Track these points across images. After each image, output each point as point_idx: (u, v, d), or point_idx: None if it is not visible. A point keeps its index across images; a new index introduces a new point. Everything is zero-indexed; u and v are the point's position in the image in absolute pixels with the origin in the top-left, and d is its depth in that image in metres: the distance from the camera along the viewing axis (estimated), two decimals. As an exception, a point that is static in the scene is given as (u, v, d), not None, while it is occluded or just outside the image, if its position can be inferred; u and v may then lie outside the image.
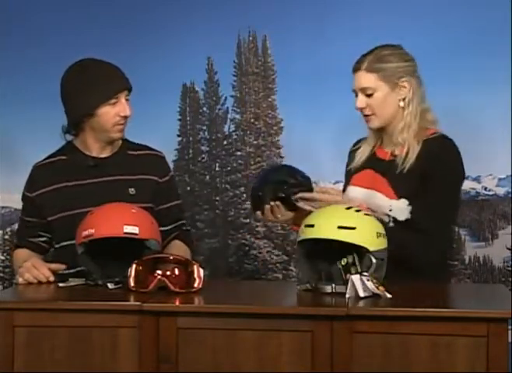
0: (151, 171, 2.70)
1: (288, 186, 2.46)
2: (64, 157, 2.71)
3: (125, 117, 2.60)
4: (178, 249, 2.68)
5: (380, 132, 2.61)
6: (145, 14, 4.00)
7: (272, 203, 2.46)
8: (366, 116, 2.55)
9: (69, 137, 2.71)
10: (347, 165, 2.73)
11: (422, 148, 2.49)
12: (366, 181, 2.58)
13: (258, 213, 2.52)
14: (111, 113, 2.58)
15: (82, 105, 2.57)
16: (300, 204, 2.45)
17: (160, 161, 2.77)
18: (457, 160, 2.52)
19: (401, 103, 2.53)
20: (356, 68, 2.55)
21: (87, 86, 2.56)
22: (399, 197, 2.47)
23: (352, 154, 2.71)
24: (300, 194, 2.45)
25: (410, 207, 2.45)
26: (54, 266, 2.51)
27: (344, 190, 2.67)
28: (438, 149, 2.48)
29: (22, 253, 2.69)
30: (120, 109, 2.59)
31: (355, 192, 2.60)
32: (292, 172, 2.51)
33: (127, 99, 2.61)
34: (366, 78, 2.52)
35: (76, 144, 2.69)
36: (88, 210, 2.43)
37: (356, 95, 2.55)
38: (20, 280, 2.46)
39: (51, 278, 2.44)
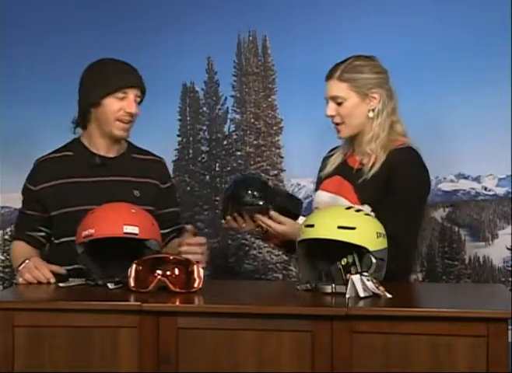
0: (154, 176, 2.74)
1: (248, 203, 2.48)
2: (70, 153, 2.72)
3: (130, 114, 2.62)
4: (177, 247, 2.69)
5: (352, 140, 2.65)
6: (144, 14, 3.99)
7: (236, 214, 2.50)
8: (336, 125, 2.61)
9: (77, 133, 2.73)
10: (319, 172, 2.77)
11: (388, 157, 2.55)
12: (334, 186, 2.63)
13: (223, 221, 2.55)
14: (116, 106, 2.60)
15: (91, 94, 2.62)
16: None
17: (162, 167, 2.82)
18: (420, 169, 2.56)
19: (371, 114, 2.58)
20: (329, 77, 2.60)
21: (99, 79, 2.61)
22: (362, 203, 2.49)
23: (325, 161, 2.76)
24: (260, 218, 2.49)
25: (373, 214, 2.47)
26: (55, 268, 2.51)
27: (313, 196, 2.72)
28: (402, 159, 2.54)
29: (19, 247, 2.70)
30: (126, 105, 2.61)
31: (322, 196, 2.66)
32: (253, 187, 2.52)
33: (136, 100, 2.64)
34: (338, 87, 2.57)
35: (83, 141, 2.71)
36: (91, 208, 2.45)
37: (327, 103, 2.60)
38: (20, 279, 2.46)
39: (52, 280, 2.44)
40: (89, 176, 2.66)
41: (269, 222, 2.50)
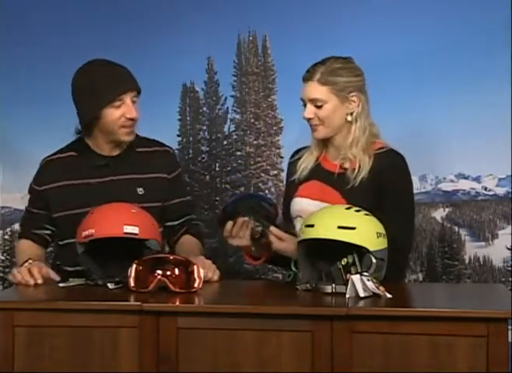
0: (160, 168, 2.69)
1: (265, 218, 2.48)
2: (74, 153, 2.69)
3: (131, 119, 2.59)
4: (190, 243, 2.68)
5: (325, 143, 2.62)
6: (144, 14, 4.00)
7: (244, 219, 2.45)
8: (312, 125, 2.57)
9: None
10: (288, 177, 2.72)
11: (375, 162, 2.52)
12: (314, 192, 2.58)
13: (230, 223, 2.47)
14: (116, 115, 2.56)
15: (89, 108, 2.57)
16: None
17: (169, 156, 2.76)
18: (407, 172, 2.56)
19: (349, 117, 2.55)
20: (307, 78, 2.55)
21: (92, 89, 2.55)
22: None
23: (292, 165, 2.70)
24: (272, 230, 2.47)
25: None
26: (45, 272, 2.43)
27: (287, 202, 2.66)
28: (391, 163, 2.53)
29: (24, 246, 2.68)
30: (126, 111, 2.57)
31: (304, 203, 2.59)
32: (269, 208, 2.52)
33: (134, 101, 2.59)
34: (318, 90, 2.53)
35: (88, 142, 2.68)
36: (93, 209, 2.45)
37: (304, 105, 2.57)
38: (10, 277, 2.45)
39: (39, 281, 2.39)
40: (92, 177, 2.64)
41: (275, 240, 2.47)
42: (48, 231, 2.71)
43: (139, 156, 2.69)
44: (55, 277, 2.46)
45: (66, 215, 2.62)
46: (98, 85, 2.55)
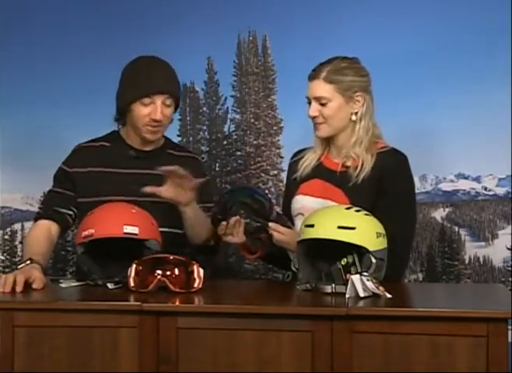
0: (189, 171, 2.71)
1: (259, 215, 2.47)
2: (107, 144, 2.76)
3: (155, 121, 2.62)
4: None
5: (328, 142, 2.63)
6: (144, 14, 3.99)
7: (237, 217, 2.44)
8: (316, 123, 2.58)
9: (118, 127, 2.77)
10: (289, 176, 2.73)
11: (378, 160, 2.54)
12: (317, 190, 2.59)
13: (223, 223, 2.47)
14: (143, 112, 2.62)
15: (121, 98, 2.66)
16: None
17: (197, 164, 2.83)
18: (410, 174, 2.58)
19: (353, 117, 2.57)
20: (313, 77, 2.58)
21: (130, 82, 2.63)
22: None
23: (293, 164, 2.72)
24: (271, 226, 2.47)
25: None
26: (33, 279, 2.33)
27: (288, 200, 2.67)
28: (394, 162, 2.54)
29: (34, 238, 2.62)
30: (152, 112, 2.61)
31: (306, 201, 2.61)
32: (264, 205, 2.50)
33: (167, 105, 2.63)
34: (323, 88, 2.55)
35: (122, 134, 2.75)
36: (122, 198, 2.52)
37: (309, 103, 2.58)
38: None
39: (18, 290, 2.28)
40: (124, 168, 2.70)
41: (274, 232, 2.47)
42: (71, 212, 2.70)
43: (169, 157, 2.74)
44: (38, 285, 2.32)
45: (94, 201, 2.58)
46: (135, 79, 2.62)
